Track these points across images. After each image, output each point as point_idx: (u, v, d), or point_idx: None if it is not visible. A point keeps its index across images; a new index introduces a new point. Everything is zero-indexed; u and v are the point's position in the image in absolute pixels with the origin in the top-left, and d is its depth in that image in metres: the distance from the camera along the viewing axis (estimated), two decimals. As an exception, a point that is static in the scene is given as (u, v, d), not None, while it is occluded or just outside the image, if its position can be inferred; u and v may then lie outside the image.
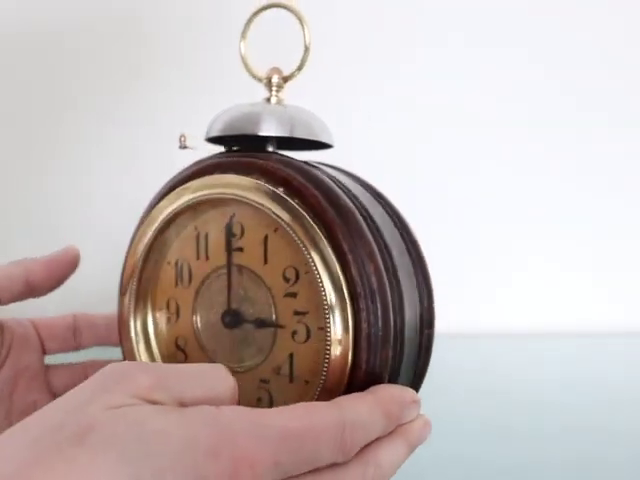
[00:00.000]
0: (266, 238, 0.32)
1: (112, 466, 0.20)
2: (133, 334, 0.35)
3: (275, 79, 0.35)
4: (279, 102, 0.35)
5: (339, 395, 0.29)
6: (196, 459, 0.21)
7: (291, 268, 0.31)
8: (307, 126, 0.33)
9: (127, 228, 0.37)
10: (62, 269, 0.38)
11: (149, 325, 0.36)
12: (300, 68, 0.35)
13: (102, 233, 0.82)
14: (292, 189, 0.30)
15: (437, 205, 0.85)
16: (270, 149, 0.35)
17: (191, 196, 0.32)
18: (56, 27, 0.80)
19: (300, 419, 0.24)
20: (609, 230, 0.88)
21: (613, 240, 0.87)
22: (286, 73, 0.35)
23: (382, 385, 0.29)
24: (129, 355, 0.36)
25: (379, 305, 0.29)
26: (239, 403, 0.32)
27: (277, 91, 0.35)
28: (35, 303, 0.40)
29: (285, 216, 0.30)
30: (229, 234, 0.33)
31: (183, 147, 0.35)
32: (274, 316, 0.32)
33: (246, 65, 0.36)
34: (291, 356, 0.31)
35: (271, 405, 0.32)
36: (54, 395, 0.40)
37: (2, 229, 0.82)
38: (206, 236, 0.34)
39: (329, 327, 0.29)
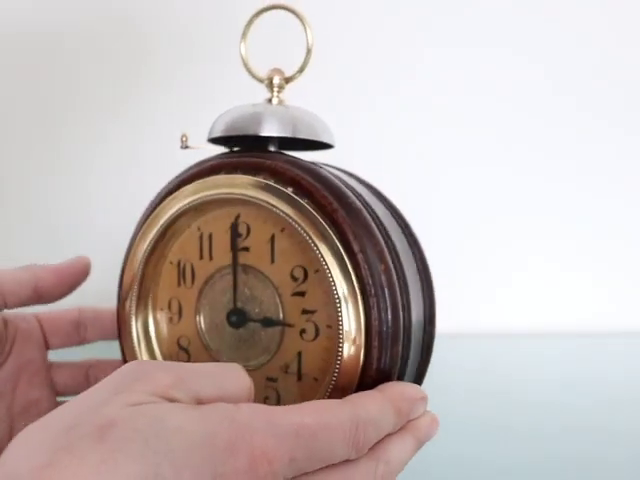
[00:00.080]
0: (273, 238, 0.32)
1: (133, 462, 0.20)
2: (134, 334, 0.35)
3: (276, 80, 0.35)
4: (280, 103, 0.35)
5: (351, 392, 0.29)
6: (214, 455, 0.22)
7: (299, 267, 0.31)
8: (309, 126, 0.34)
9: (127, 228, 0.37)
10: (72, 277, 0.38)
11: (150, 325, 0.36)
12: (302, 70, 0.35)
13: (102, 233, 0.82)
14: (302, 189, 0.30)
15: (437, 205, 0.85)
16: (272, 149, 0.35)
17: (197, 196, 0.32)
18: (56, 27, 0.80)
19: (315, 416, 0.24)
20: (609, 230, 0.88)
21: (613, 240, 0.88)
22: (287, 74, 0.36)
23: (391, 382, 0.29)
24: (130, 355, 0.36)
25: (389, 303, 0.29)
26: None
27: (278, 92, 0.35)
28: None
29: (296, 216, 0.30)
30: (235, 234, 0.33)
31: (185, 147, 0.35)
32: (282, 315, 0.32)
33: (247, 66, 0.36)
34: (299, 354, 0.32)
35: (279, 403, 0.33)
36: (56, 392, 0.40)
37: (2, 229, 0.82)
38: (210, 236, 0.34)
39: (341, 325, 0.29)
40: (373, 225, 0.30)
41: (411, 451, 0.29)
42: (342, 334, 0.29)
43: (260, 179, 0.31)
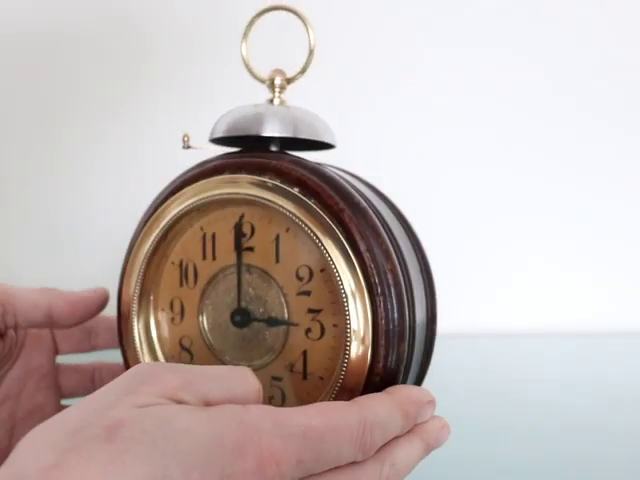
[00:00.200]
0: (278, 238, 0.32)
1: (140, 463, 0.20)
2: (136, 335, 0.35)
3: (278, 81, 0.35)
4: (282, 103, 0.35)
5: (358, 391, 0.29)
6: (223, 457, 0.22)
7: (304, 267, 0.31)
8: (310, 127, 0.34)
9: (127, 228, 0.37)
10: (85, 309, 0.38)
11: (151, 326, 0.36)
12: (304, 70, 0.35)
13: (102, 233, 0.82)
14: (308, 189, 0.31)
15: (437, 205, 0.85)
16: (274, 149, 0.35)
17: (201, 196, 0.32)
18: (56, 27, 0.80)
19: (322, 418, 0.24)
20: (609, 230, 0.88)
21: (613, 240, 0.88)
22: (289, 75, 0.36)
23: (399, 385, 0.30)
24: (132, 356, 0.36)
25: (395, 302, 0.30)
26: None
27: (280, 92, 0.35)
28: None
29: (303, 216, 0.30)
30: (239, 234, 0.33)
31: (187, 147, 0.35)
32: (287, 314, 0.32)
33: (248, 66, 0.36)
34: (305, 353, 0.32)
35: (284, 403, 0.33)
36: (61, 395, 0.40)
37: (2, 229, 0.82)
38: (213, 236, 0.34)
39: (348, 324, 0.29)
40: (379, 224, 0.31)
41: (418, 455, 0.29)
42: (350, 333, 0.29)
43: (266, 179, 0.31)
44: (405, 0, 0.84)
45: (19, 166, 0.82)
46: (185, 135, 0.35)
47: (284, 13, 0.35)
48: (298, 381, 0.32)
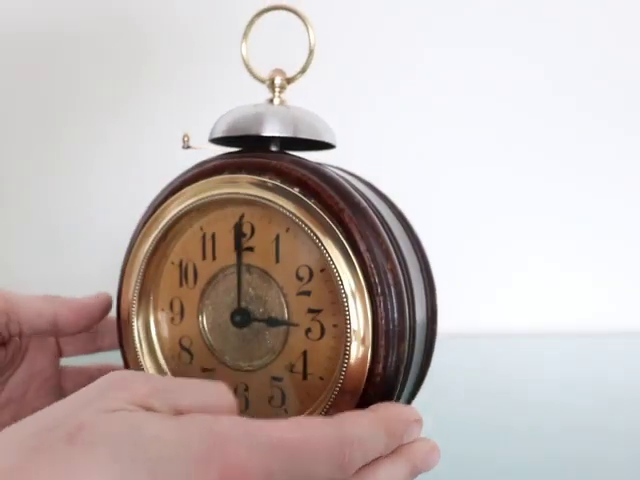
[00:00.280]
0: (278, 238, 0.32)
1: (103, 464, 0.20)
2: (135, 335, 0.35)
3: (278, 80, 0.35)
4: (282, 103, 0.35)
5: (358, 392, 0.29)
6: (189, 465, 0.21)
7: (304, 267, 0.31)
8: (310, 126, 0.34)
9: (127, 228, 0.37)
10: (90, 315, 0.38)
11: (151, 326, 0.36)
12: (304, 70, 0.35)
13: (102, 233, 0.82)
14: (308, 189, 0.31)
15: (437, 205, 0.85)
16: (274, 149, 0.35)
17: (200, 196, 0.32)
18: (56, 27, 0.80)
19: (297, 432, 0.24)
20: (609, 230, 0.88)
21: (613, 240, 0.88)
22: (289, 75, 0.36)
23: (385, 403, 0.29)
24: (132, 356, 0.36)
25: (395, 302, 0.30)
26: (250, 402, 0.33)
27: (280, 92, 0.35)
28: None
29: (303, 216, 0.30)
30: (239, 234, 0.33)
31: (186, 147, 0.35)
32: (287, 314, 0.32)
33: (248, 66, 0.36)
34: (305, 353, 0.32)
35: (284, 403, 0.33)
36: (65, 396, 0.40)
37: (2, 229, 0.82)
38: (213, 236, 0.34)
39: (348, 324, 0.29)
40: (379, 224, 0.31)
41: (403, 476, 0.28)
42: (350, 333, 0.29)
43: (266, 179, 0.31)
44: (405, 0, 0.83)
45: (19, 166, 0.82)
46: (185, 135, 0.35)
47: (284, 13, 0.35)
48: (298, 381, 0.32)
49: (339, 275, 0.29)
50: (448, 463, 0.46)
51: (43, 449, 0.20)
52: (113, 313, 0.40)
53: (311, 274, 0.31)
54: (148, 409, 0.23)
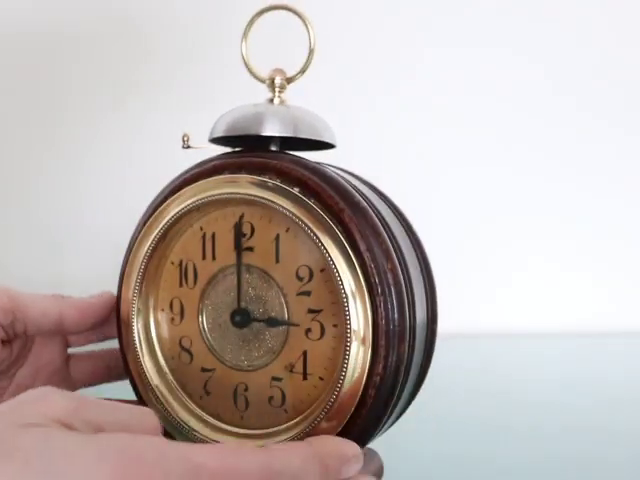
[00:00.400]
0: (278, 238, 0.32)
1: (11, 477, 0.20)
2: (135, 335, 0.35)
3: (278, 80, 0.35)
4: (282, 103, 0.35)
5: (359, 392, 0.29)
6: None
7: (304, 267, 0.31)
8: (310, 126, 0.34)
9: (127, 228, 0.37)
10: (96, 314, 0.37)
11: (151, 326, 0.36)
12: (304, 71, 0.35)
13: (102, 233, 0.82)
14: (308, 189, 0.31)
15: (437, 205, 0.85)
16: (274, 149, 0.35)
17: (200, 196, 0.32)
18: (56, 27, 0.80)
19: (222, 459, 0.23)
20: (609, 230, 0.88)
21: (613, 240, 0.88)
22: (289, 74, 0.36)
23: (323, 436, 0.28)
24: (131, 356, 0.36)
25: (396, 302, 0.30)
26: (250, 402, 0.33)
27: (280, 92, 0.35)
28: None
29: (303, 216, 0.30)
30: (239, 234, 0.33)
31: (186, 147, 0.35)
32: (287, 314, 0.32)
33: (248, 66, 0.36)
34: (305, 354, 0.32)
35: (284, 403, 0.33)
36: (74, 387, 0.40)
37: (2, 229, 0.82)
38: (213, 236, 0.34)
39: (348, 324, 0.29)
40: (379, 224, 0.31)
41: None
42: (350, 333, 0.29)
43: (266, 179, 0.31)
44: (405, 0, 0.83)
45: (19, 166, 0.82)
46: (185, 135, 0.35)
47: (284, 12, 0.35)
48: (298, 381, 0.32)
49: (339, 275, 0.29)
50: (448, 463, 0.46)
51: None
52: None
53: (311, 274, 0.31)
54: (67, 426, 0.23)
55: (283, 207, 0.30)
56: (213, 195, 0.32)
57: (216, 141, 0.36)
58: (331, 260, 0.29)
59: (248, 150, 0.34)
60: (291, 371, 0.32)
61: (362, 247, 0.30)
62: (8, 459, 0.20)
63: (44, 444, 0.21)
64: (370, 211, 0.31)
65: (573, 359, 0.77)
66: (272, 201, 0.31)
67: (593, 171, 0.87)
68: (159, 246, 0.34)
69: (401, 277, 0.30)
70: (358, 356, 0.29)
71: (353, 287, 0.29)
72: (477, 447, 0.49)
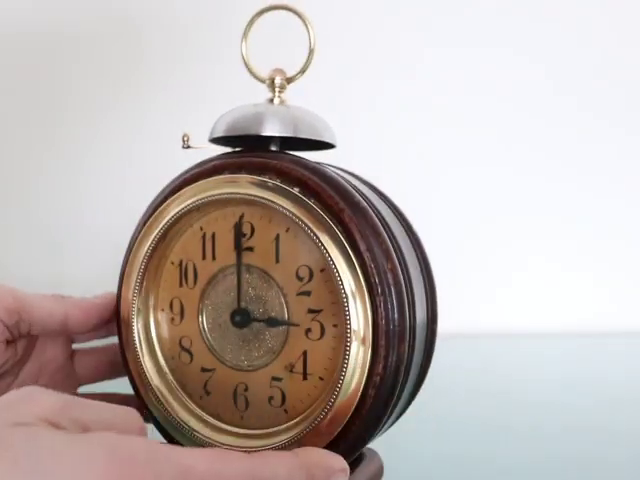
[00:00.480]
0: (278, 238, 0.32)
1: (2, 477, 0.20)
2: (135, 335, 0.35)
3: (278, 80, 0.35)
4: (282, 103, 0.35)
5: (359, 392, 0.29)
6: None
7: (304, 267, 0.31)
8: (310, 126, 0.34)
9: (127, 228, 0.37)
10: (99, 315, 0.37)
11: (151, 326, 0.36)
12: (304, 70, 0.35)
13: (101, 233, 0.82)
14: (308, 189, 0.31)
15: (437, 205, 0.85)
16: (274, 149, 0.35)
17: (200, 196, 0.32)
18: (56, 27, 0.80)
19: (209, 463, 0.23)
20: (609, 230, 0.88)
21: (613, 240, 0.88)
22: (289, 74, 0.35)
23: (311, 448, 0.28)
24: (131, 356, 0.36)
25: (396, 302, 0.30)
26: (249, 402, 0.33)
27: (280, 92, 0.35)
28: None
29: (303, 216, 0.30)
30: (239, 234, 0.33)
31: (186, 147, 0.35)
32: (287, 314, 0.32)
33: (248, 66, 0.36)
34: (305, 354, 0.32)
35: (284, 403, 0.33)
36: (78, 383, 0.40)
37: (2, 229, 0.82)
38: (213, 236, 0.34)
39: (348, 324, 0.29)
40: (379, 224, 0.31)
41: None
42: (350, 333, 0.29)
43: (266, 179, 0.31)
44: (405, 0, 0.83)
45: (19, 166, 0.82)
46: (185, 135, 0.35)
47: (284, 12, 0.35)
48: (298, 381, 0.32)
49: (339, 275, 0.29)
50: (448, 463, 0.46)
51: None
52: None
53: (311, 274, 0.31)
54: (54, 425, 0.23)
55: (283, 207, 0.30)
56: (213, 195, 0.32)
57: (216, 141, 0.36)
58: (331, 260, 0.29)
59: (248, 150, 0.34)
60: (291, 371, 0.32)
61: (362, 247, 0.30)
62: (1, 458, 0.20)
63: (32, 443, 0.21)
64: (370, 211, 0.31)
65: (573, 359, 0.77)
66: (272, 201, 0.31)
67: (594, 171, 0.87)
68: (159, 246, 0.34)
69: (401, 277, 0.30)
70: (358, 356, 0.29)
71: (353, 287, 0.29)
72: (477, 447, 0.49)
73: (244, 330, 0.33)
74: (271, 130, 0.33)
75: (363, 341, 0.29)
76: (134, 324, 0.35)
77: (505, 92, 0.85)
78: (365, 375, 0.29)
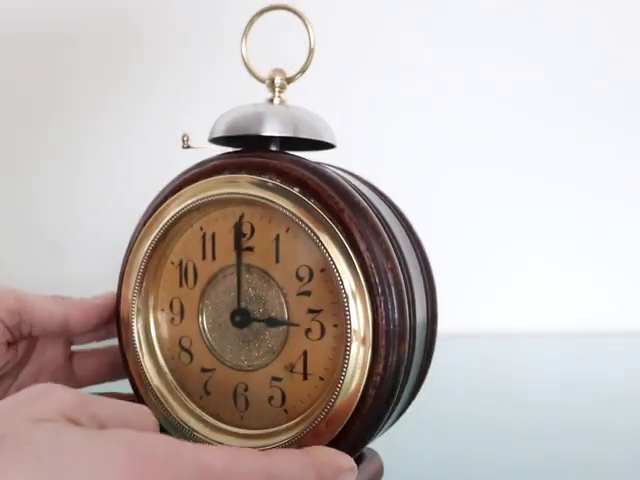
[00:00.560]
0: (278, 238, 0.32)
1: (25, 471, 0.20)
2: (135, 335, 0.35)
3: (278, 80, 0.35)
4: (282, 103, 0.35)
5: (359, 393, 0.29)
6: (112, 478, 0.21)
7: (305, 267, 0.31)
8: (310, 126, 0.34)
9: (127, 228, 0.37)
10: (100, 315, 0.37)
11: (151, 326, 0.36)
12: (304, 70, 0.35)
13: (102, 233, 0.82)
14: (308, 189, 0.31)
15: (437, 205, 0.85)
16: (273, 149, 0.35)
17: (200, 196, 0.32)
18: (56, 27, 0.80)
19: (225, 460, 0.24)
20: (609, 230, 0.88)
21: (613, 240, 0.88)
22: (288, 74, 0.35)
23: (321, 447, 0.29)
24: (131, 356, 0.36)
25: (396, 302, 0.30)
26: (250, 402, 0.33)
27: (280, 92, 0.35)
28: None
29: (303, 216, 0.30)
30: (239, 234, 0.33)
31: (186, 147, 0.35)
32: (287, 314, 0.32)
33: (247, 66, 0.36)
34: (305, 354, 0.32)
35: (284, 403, 0.33)
36: (78, 385, 0.40)
37: (2, 229, 0.82)
38: (213, 236, 0.34)
39: (349, 324, 0.29)
40: (379, 224, 0.31)
41: None
42: (350, 333, 0.29)
43: (266, 179, 0.31)
44: (405, 0, 0.83)
45: (19, 166, 0.82)
46: (185, 135, 0.35)
47: (284, 12, 0.35)
48: (298, 381, 0.32)
49: (339, 275, 0.29)
50: (448, 463, 0.46)
51: None
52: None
53: (311, 274, 0.31)
54: (73, 421, 0.23)
55: (283, 207, 0.30)
56: (213, 195, 0.32)
57: (216, 141, 0.36)
58: (331, 260, 0.29)
59: (248, 150, 0.34)
60: (291, 371, 0.32)
61: (362, 247, 0.30)
62: (24, 453, 0.20)
63: (54, 439, 0.21)
64: (370, 211, 0.31)
65: (573, 359, 0.77)
66: (272, 201, 0.31)
67: (593, 171, 0.87)
68: (159, 246, 0.34)
69: (401, 277, 0.30)
70: (358, 356, 0.29)
71: (353, 287, 0.29)
72: (477, 447, 0.49)
73: (244, 330, 0.33)
74: (271, 130, 0.33)
75: (363, 341, 0.29)
76: (134, 324, 0.35)
77: (504, 92, 0.85)
78: (365, 375, 0.29)
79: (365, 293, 0.29)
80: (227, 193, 0.32)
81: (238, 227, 0.33)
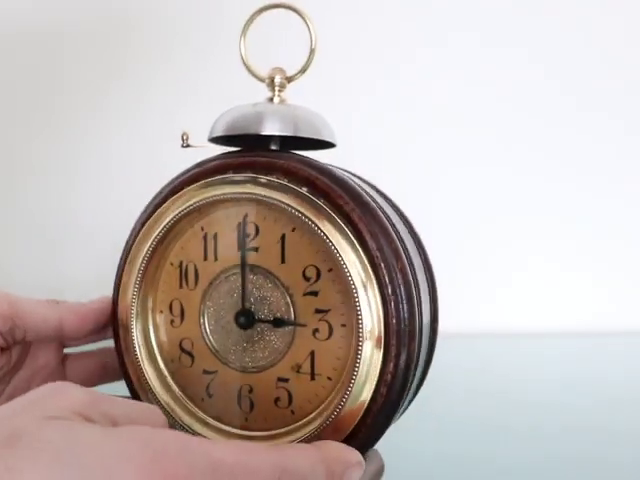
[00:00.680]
0: (283, 238, 0.32)
1: (42, 470, 0.20)
2: (134, 338, 0.34)
3: (278, 79, 0.35)
4: (282, 102, 0.35)
5: (371, 392, 0.29)
6: (126, 475, 0.21)
7: (312, 267, 0.31)
8: (311, 125, 0.33)
9: (127, 228, 0.37)
10: (96, 320, 0.37)
11: (150, 328, 0.35)
12: (304, 70, 0.35)
13: (101, 233, 0.82)
14: (317, 189, 0.30)
15: (437, 205, 0.85)
16: (273, 148, 0.35)
17: (203, 196, 0.32)
18: (56, 27, 0.80)
19: (237, 455, 0.24)
20: (609, 230, 0.88)
21: (613, 240, 0.88)
22: (288, 73, 0.35)
23: (329, 441, 0.29)
24: (129, 359, 0.35)
25: (406, 301, 0.30)
26: (255, 404, 0.33)
27: (280, 91, 0.35)
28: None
29: (313, 215, 0.30)
30: (243, 234, 0.33)
31: (186, 146, 0.35)
32: (293, 315, 0.32)
33: (246, 64, 0.36)
34: (312, 354, 0.32)
35: (290, 404, 0.32)
36: None
37: (2, 229, 0.82)
38: (214, 236, 0.33)
39: (360, 323, 0.29)
40: (387, 224, 0.31)
41: None
42: (362, 333, 0.29)
43: (272, 179, 0.31)
44: (405, 0, 0.83)
45: (19, 166, 0.82)
46: (184, 133, 0.35)
47: (284, 11, 0.35)
48: (305, 382, 0.32)
49: (350, 275, 0.29)
50: (448, 463, 0.46)
51: None
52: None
53: (319, 274, 0.31)
54: (87, 419, 0.23)
55: (292, 207, 0.30)
56: (216, 195, 0.32)
57: (215, 140, 0.36)
58: (342, 260, 0.29)
59: (248, 149, 0.34)
60: (298, 371, 0.32)
61: (372, 246, 0.29)
62: (39, 451, 0.20)
63: (70, 437, 0.21)
64: (379, 211, 0.31)
65: (573, 359, 0.77)
66: (280, 201, 0.30)
67: (593, 171, 0.87)
68: (158, 247, 0.34)
69: (410, 276, 0.30)
70: (371, 356, 0.29)
71: (364, 286, 0.29)
72: (477, 447, 0.49)
73: (248, 331, 0.33)
74: (271, 129, 0.33)
75: (375, 340, 0.29)
76: (133, 327, 0.34)
77: (504, 92, 0.85)
78: (377, 374, 0.29)
79: (376, 292, 0.29)
80: (230, 193, 0.31)
81: (242, 227, 0.33)
